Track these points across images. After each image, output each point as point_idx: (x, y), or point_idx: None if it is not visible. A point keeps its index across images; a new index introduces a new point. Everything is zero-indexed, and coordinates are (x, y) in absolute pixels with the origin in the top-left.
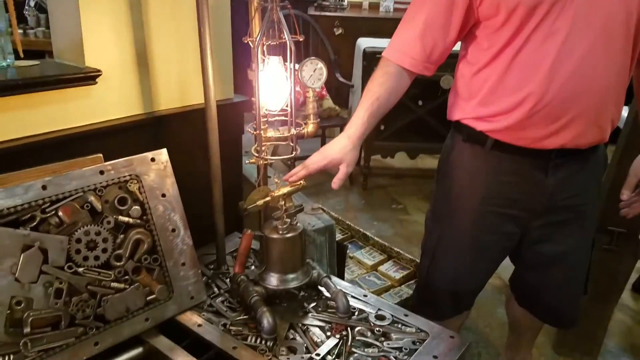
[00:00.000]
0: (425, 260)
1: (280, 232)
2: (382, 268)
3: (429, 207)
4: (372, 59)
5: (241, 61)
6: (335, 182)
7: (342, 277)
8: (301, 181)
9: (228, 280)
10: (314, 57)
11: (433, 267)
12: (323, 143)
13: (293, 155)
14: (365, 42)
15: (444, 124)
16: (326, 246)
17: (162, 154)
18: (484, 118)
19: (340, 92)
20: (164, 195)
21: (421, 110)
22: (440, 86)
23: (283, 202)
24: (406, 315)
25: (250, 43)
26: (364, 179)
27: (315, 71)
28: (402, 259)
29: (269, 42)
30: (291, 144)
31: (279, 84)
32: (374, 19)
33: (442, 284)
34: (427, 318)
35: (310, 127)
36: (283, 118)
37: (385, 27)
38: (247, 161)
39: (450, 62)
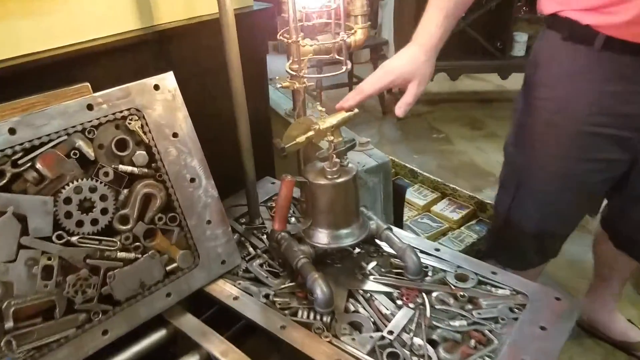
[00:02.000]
0: (506, 196)
1: (329, 176)
2: (436, 208)
3: (510, 131)
4: None
5: None
6: (402, 107)
7: (400, 225)
8: (355, 109)
9: (265, 237)
10: None
11: (516, 205)
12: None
13: (344, 70)
14: None
15: (491, 38)
16: (380, 189)
17: (168, 79)
18: (595, 9)
19: None
20: (175, 135)
21: (463, 23)
22: None
23: (331, 138)
24: (494, 274)
25: None
26: None
27: None
28: (459, 196)
29: None
30: (338, 57)
31: None
32: None
33: (528, 225)
34: (505, 267)
35: (358, 35)
36: (324, 20)
37: None
38: (278, 85)
39: None
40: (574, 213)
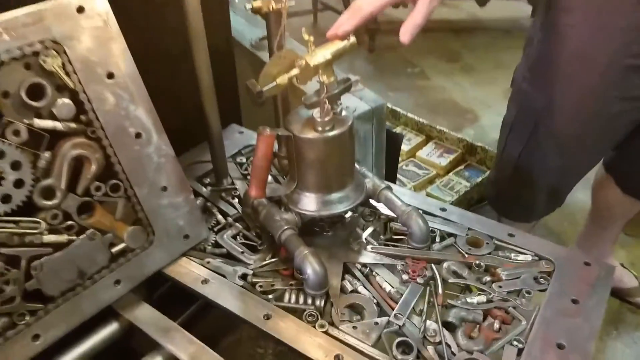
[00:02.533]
0: (516, 140)
1: (320, 128)
2: (421, 153)
3: (522, 65)
4: None
5: None
6: (409, 30)
7: (394, 180)
8: (351, 37)
9: (237, 201)
10: None
11: (530, 151)
12: None
13: None
14: None
15: None
16: (372, 138)
17: (101, 1)
18: None
19: None
20: (111, 76)
21: None
22: None
23: (323, 77)
24: (511, 236)
25: None
26: (370, 38)
27: None
28: (446, 139)
29: None
30: None
31: None
32: None
33: (543, 172)
34: (508, 218)
35: None
36: None
37: None
38: (248, 6)
39: None
40: (594, 158)
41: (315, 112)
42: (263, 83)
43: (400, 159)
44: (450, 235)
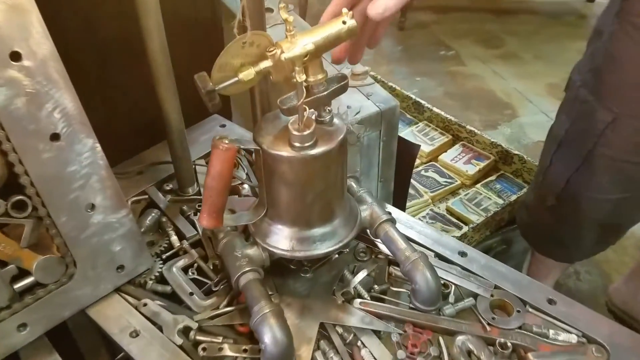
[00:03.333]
0: (565, 162)
1: (298, 143)
2: (445, 157)
3: (583, 62)
4: None
5: None
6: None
7: (403, 201)
8: (348, 20)
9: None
10: None
11: (581, 177)
12: None
13: None
14: None
15: None
16: (379, 147)
17: None
18: None
19: None
20: (17, 57)
21: None
22: None
23: (301, 76)
24: (552, 303)
25: None
26: (401, 14)
27: None
28: (478, 142)
29: None
30: None
31: None
32: None
33: (595, 206)
34: (544, 255)
35: None
36: None
37: None
38: None
39: None
40: None
41: (293, 122)
42: (218, 79)
43: (418, 161)
44: (469, 294)
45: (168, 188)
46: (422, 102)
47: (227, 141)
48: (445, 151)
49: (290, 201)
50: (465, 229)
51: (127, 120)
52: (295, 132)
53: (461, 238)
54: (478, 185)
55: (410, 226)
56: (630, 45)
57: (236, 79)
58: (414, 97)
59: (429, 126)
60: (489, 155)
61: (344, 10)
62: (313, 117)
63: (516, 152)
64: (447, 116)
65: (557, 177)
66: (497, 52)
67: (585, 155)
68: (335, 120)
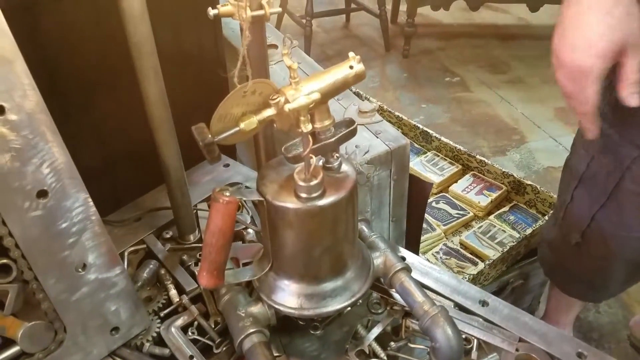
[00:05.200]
0: (588, 199)
1: (304, 194)
2: (456, 188)
3: (601, 93)
4: None
5: None
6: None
7: (417, 242)
8: (356, 65)
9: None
10: None
11: (607, 215)
12: None
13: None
14: None
15: None
16: (390, 186)
17: None
18: None
19: None
20: (1, 111)
21: None
22: None
23: (306, 125)
24: (581, 357)
25: None
26: (405, 42)
27: None
28: (489, 172)
29: None
30: None
31: None
32: None
33: (623, 244)
34: (570, 295)
35: None
36: None
37: None
38: (210, 12)
39: None
40: None
41: (298, 172)
42: (218, 129)
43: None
44: (493, 349)
45: (168, 236)
46: (430, 131)
47: (227, 193)
48: (456, 181)
49: (298, 255)
50: (481, 265)
51: (124, 163)
52: (301, 183)
53: (477, 275)
54: (491, 217)
55: (425, 272)
56: None
57: (237, 128)
58: (421, 126)
59: (438, 156)
60: (501, 185)
61: (351, 54)
62: (320, 163)
63: (529, 183)
64: (456, 145)
65: (580, 214)
66: (503, 77)
67: (610, 191)
68: (344, 166)
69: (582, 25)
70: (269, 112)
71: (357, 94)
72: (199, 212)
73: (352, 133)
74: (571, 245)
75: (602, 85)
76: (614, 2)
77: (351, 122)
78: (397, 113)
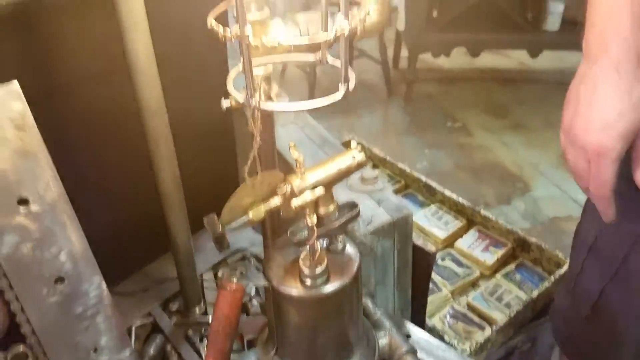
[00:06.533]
0: (596, 271)
1: (309, 280)
2: (461, 244)
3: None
4: None
5: None
6: None
7: (423, 311)
8: (357, 155)
9: (206, 342)
10: None
11: (615, 290)
12: None
13: (341, 94)
14: None
15: (520, 8)
16: (394, 256)
17: (7, 97)
18: None
19: None
20: (24, 202)
21: None
22: None
23: (312, 217)
24: None
25: None
26: (407, 87)
27: None
28: (493, 227)
29: None
30: (331, 61)
31: None
32: None
33: (629, 321)
34: None
35: (372, 15)
36: None
37: None
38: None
39: None
40: None
41: (304, 257)
42: (228, 219)
43: (434, 248)
44: None
45: (174, 309)
46: (433, 184)
47: (235, 279)
48: (461, 236)
49: (303, 340)
50: (488, 331)
51: (131, 231)
52: (306, 270)
53: (485, 342)
54: (498, 276)
55: (430, 352)
56: None
57: (246, 218)
58: (424, 178)
59: (442, 209)
60: (506, 242)
61: (353, 144)
62: (325, 244)
63: (534, 240)
64: (459, 199)
65: (590, 287)
66: (504, 122)
67: (618, 266)
68: (348, 249)
69: (599, 104)
70: (276, 201)
71: (360, 144)
72: (204, 282)
73: (356, 216)
74: (582, 318)
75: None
76: (632, 81)
77: (354, 204)
78: (399, 165)
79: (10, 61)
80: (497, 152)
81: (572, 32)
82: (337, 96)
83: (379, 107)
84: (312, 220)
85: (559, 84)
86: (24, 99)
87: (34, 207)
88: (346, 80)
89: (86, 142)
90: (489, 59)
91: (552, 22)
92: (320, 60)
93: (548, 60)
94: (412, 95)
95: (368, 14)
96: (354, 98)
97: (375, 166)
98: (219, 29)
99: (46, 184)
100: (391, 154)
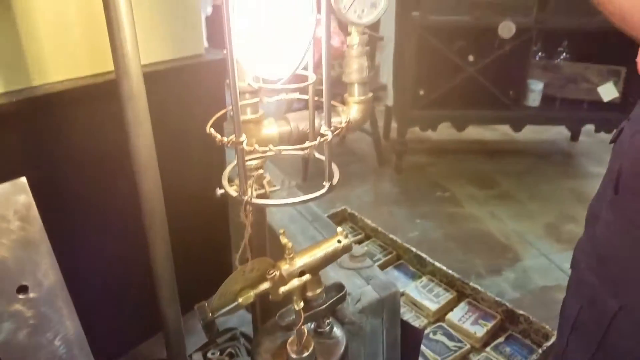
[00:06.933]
0: (580, 346)
1: None
2: (452, 316)
3: (584, 242)
4: None
5: None
6: None
7: None
8: (343, 239)
9: None
10: None
11: None
12: None
13: (325, 190)
14: None
15: (502, 86)
16: (382, 334)
17: (15, 191)
18: None
19: None
20: (23, 290)
21: (472, 68)
22: (497, 35)
23: (298, 303)
24: None
25: None
26: (397, 158)
27: None
28: (482, 299)
29: None
30: (317, 155)
31: (282, 12)
32: None
33: None
34: None
35: (353, 112)
36: (298, 96)
37: None
38: (219, 192)
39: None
40: None
41: (291, 341)
42: (218, 305)
43: (426, 321)
44: None
45: None
46: (424, 255)
47: None
48: (452, 309)
49: None
50: None
51: (122, 313)
52: (293, 355)
53: None
54: (488, 349)
55: None
56: (626, 239)
57: (236, 303)
58: (414, 249)
59: (433, 281)
60: (495, 314)
61: (339, 229)
62: (313, 327)
63: (521, 312)
64: (450, 272)
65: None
66: (492, 192)
67: (598, 340)
68: (335, 331)
69: None
70: (265, 285)
71: (352, 215)
72: None
73: (342, 298)
74: None
75: (587, 233)
76: None
77: (341, 286)
78: (391, 235)
79: (17, 154)
80: (486, 222)
81: (552, 108)
82: (322, 191)
83: (371, 178)
84: (299, 305)
85: (540, 157)
86: (30, 192)
87: (32, 294)
88: (330, 178)
89: (82, 225)
90: (475, 132)
91: (533, 99)
92: (308, 155)
93: (531, 132)
94: (403, 165)
95: (348, 121)
96: (347, 169)
97: (367, 237)
98: (217, 136)
99: (45, 270)
100: (383, 224)
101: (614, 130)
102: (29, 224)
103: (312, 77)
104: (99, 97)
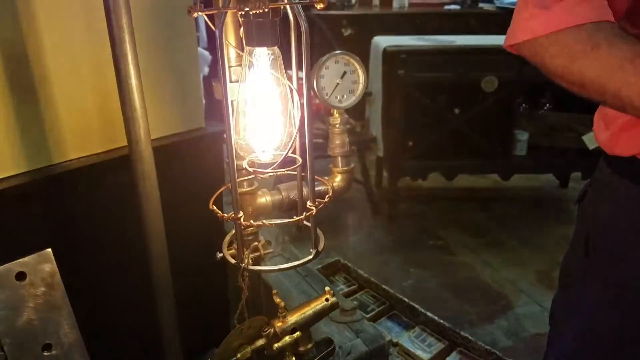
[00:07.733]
0: None
1: None
2: None
3: (558, 302)
4: (394, 59)
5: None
6: None
7: None
8: (330, 298)
9: None
10: (340, 52)
11: None
12: None
13: (312, 256)
14: (384, 41)
15: (489, 137)
16: None
17: (42, 262)
18: None
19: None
20: (48, 348)
21: (459, 120)
22: (481, 89)
23: (291, 355)
24: None
25: (205, 18)
26: (389, 207)
27: (344, 77)
28: (474, 349)
29: (249, 10)
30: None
31: (272, 105)
32: (388, 15)
33: None
34: None
35: (337, 180)
36: (286, 172)
37: (401, 24)
38: (218, 255)
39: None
40: None
41: None
42: (221, 358)
43: None
44: None
45: None
46: (416, 306)
47: None
48: (443, 359)
49: None
50: None
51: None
52: None
53: None
54: None
55: None
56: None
57: (234, 359)
58: (407, 300)
59: (425, 331)
60: None
61: (327, 288)
62: None
63: None
64: (441, 322)
65: None
66: (483, 240)
67: None
68: None
69: None
70: (261, 342)
71: (345, 265)
72: None
73: (331, 352)
74: None
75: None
76: None
77: (330, 341)
78: (384, 286)
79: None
80: (479, 270)
81: (539, 156)
82: (309, 257)
83: (364, 227)
84: (291, 358)
85: (531, 204)
86: (54, 262)
87: (54, 351)
88: (316, 245)
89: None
90: (465, 180)
91: (520, 148)
92: (298, 224)
93: (522, 179)
94: (395, 214)
95: (330, 195)
96: (339, 220)
97: (361, 287)
98: (218, 212)
99: (66, 330)
100: (377, 273)
101: (578, 192)
102: (53, 289)
103: (299, 160)
104: (110, 170)
